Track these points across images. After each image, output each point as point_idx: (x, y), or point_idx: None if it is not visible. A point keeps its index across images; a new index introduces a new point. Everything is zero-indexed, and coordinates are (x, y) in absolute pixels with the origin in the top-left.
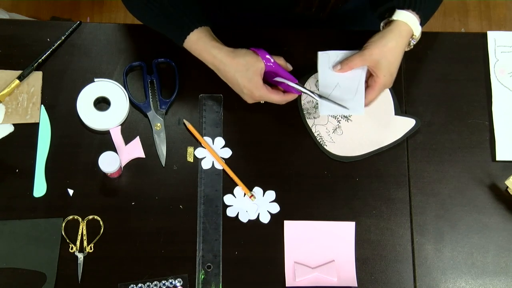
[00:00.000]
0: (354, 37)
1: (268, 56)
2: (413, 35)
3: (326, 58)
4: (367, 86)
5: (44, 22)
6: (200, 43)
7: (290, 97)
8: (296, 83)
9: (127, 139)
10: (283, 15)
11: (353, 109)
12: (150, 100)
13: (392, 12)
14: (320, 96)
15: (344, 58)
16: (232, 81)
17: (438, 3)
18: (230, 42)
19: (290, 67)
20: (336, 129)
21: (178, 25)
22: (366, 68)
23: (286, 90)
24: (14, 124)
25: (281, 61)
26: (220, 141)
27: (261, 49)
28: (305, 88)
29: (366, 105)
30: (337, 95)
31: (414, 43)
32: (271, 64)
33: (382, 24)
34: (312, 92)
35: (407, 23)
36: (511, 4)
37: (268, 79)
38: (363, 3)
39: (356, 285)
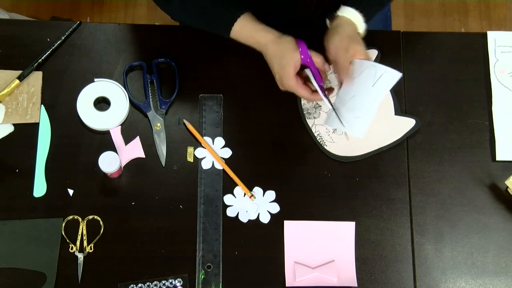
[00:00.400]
0: None
1: (304, 51)
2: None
3: (358, 66)
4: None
5: (44, 22)
6: (245, 31)
7: (317, 98)
8: (320, 85)
9: (127, 139)
10: (283, 15)
11: (354, 129)
12: (150, 100)
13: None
14: (333, 108)
15: (372, 66)
16: (270, 65)
17: (383, 5)
18: (230, 41)
19: (328, 68)
20: (336, 129)
21: (220, 20)
22: (385, 93)
23: (317, 90)
24: (14, 124)
25: (318, 58)
26: (220, 141)
27: (302, 42)
28: (325, 95)
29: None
30: (349, 107)
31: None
32: (305, 58)
33: (328, 21)
34: (329, 101)
35: (351, 19)
36: (511, 4)
37: (311, 72)
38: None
39: (356, 285)
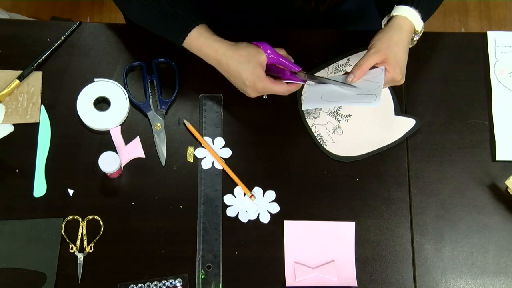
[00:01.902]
0: (354, 37)
1: (270, 49)
2: (415, 30)
3: (372, 74)
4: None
5: (44, 22)
6: (201, 38)
7: (294, 87)
8: (300, 71)
9: (127, 139)
10: (283, 15)
11: (306, 100)
12: (150, 100)
13: (392, 8)
14: (322, 79)
15: (378, 84)
16: (234, 74)
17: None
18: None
19: (291, 60)
20: (336, 129)
21: (177, 24)
22: (356, 105)
23: (289, 81)
24: (14, 124)
25: (282, 51)
26: (220, 141)
27: (263, 42)
28: (308, 74)
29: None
30: (325, 89)
31: (417, 38)
32: (274, 56)
33: (383, 22)
34: (315, 77)
35: (407, 18)
36: (511, 4)
37: (270, 72)
38: (362, 3)
39: (356, 285)
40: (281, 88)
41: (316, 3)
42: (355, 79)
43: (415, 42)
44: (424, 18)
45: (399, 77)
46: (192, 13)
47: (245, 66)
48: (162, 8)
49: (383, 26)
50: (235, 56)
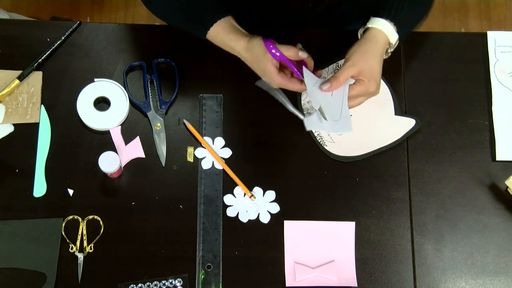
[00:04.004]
0: (354, 37)
1: (273, 49)
2: (389, 42)
3: (310, 75)
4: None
5: (44, 22)
6: (219, 37)
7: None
8: (301, 79)
9: (127, 139)
10: (282, 16)
11: (342, 128)
12: (150, 100)
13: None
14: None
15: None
16: (253, 70)
17: (418, 15)
18: None
19: (303, 55)
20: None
21: (198, 21)
22: (347, 86)
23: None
24: (14, 124)
25: (289, 52)
26: (220, 141)
27: (268, 41)
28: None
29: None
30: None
31: (391, 51)
32: (278, 54)
33: (360, 33)
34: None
35: (382, 31)
36: (511, 4)
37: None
38: (361, 4)
39: (356, 285)
40: (295, 87)
41: (313, 3)
42: (330, 89)
43: (389, 54)
44: (400, 32)
45: (374, 89)
46: (211, 9)
47: (256, 65)
48: (183, 6)
49: (359, 37)
50: (247, 57)
